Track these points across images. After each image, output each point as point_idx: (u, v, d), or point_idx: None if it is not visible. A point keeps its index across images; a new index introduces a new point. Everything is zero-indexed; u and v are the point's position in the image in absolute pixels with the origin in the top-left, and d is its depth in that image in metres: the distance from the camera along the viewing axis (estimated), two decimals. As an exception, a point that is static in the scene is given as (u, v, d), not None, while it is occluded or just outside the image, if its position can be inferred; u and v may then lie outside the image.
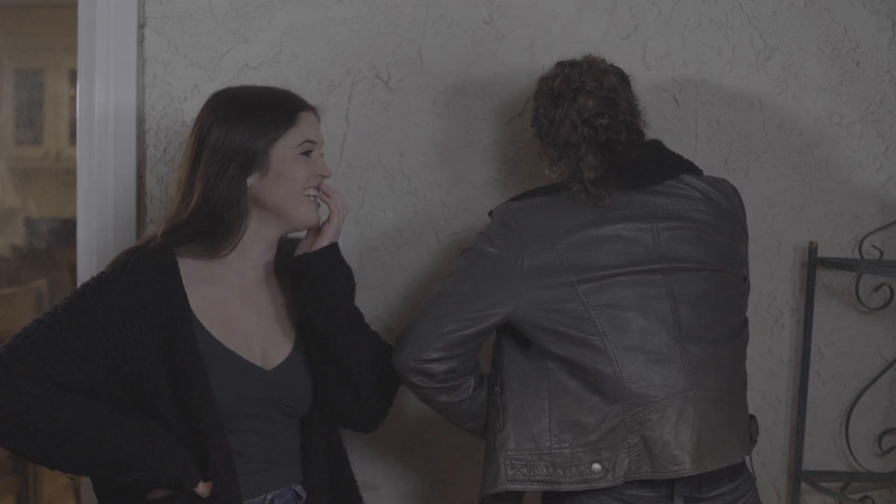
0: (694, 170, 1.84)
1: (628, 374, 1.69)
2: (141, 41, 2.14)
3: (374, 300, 2.17)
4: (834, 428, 2.28)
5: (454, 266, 1.82)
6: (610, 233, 1.73)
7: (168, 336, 1.66)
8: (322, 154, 1.81)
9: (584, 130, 1.77)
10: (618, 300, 1.71)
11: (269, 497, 1.74)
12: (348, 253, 1.91)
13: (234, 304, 1.75)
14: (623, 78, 1.86)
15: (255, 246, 1.77)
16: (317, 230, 1.79)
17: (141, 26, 2.14)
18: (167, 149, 2.16)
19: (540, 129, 1.85)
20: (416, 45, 2.17)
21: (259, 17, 2.15)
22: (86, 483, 2.15)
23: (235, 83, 2.04)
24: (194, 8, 2.14)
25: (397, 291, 2.19)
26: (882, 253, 2.24)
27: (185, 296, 1.70)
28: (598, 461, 1.69)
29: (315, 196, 1.78)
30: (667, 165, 1.81)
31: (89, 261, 2.14)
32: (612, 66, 1.86)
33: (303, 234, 1.83)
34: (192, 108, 2.13)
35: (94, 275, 1.72)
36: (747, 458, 1.82)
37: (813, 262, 2.21)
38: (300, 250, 1.79)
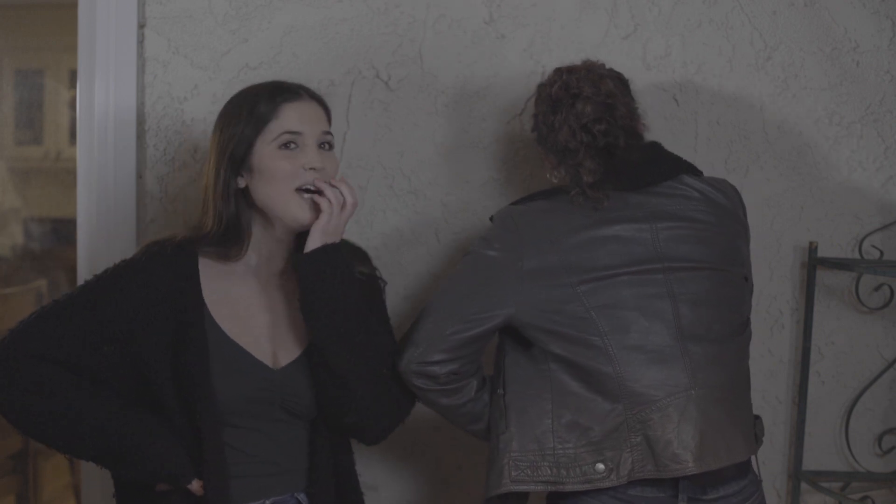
0: (693, 171, 1.84)
1: (629, 374, 1.69)
2: (141, 41, 2.14)
3: (374, 300, 2.17)
4: (834, 428, 2.28)
5: (454, 267, 1.82)
6: (609, 234, 1.74)
7: (178, 328, 1.67)
8: (325, 144, 1.73)
9: (583, 136, 1.77)
10: (618, 300, 1.71)
11: (267, 503, 1.73)
12: (348, 253, 1.91)
13: (249, 301, 1.75)
14: (622, 82, 1.86)
15: (268, 245, 1.76)
16: None
17: (141, 26, 2.14)
18: (167, 149, 2.16)
19: (540, 135, 1.85)
20: (416, 45, 2.17)
21: (259, 17, 2.15)
22: (86, 483, 2.16)
23: (235, 83, 2.05)
24: (194, 8, 2.14)
25: (397, 291, 2.19)
26: (882, 253, 2.24)
27: (200, 290, 1.71)
28: (602, 461, 1.69)
29: (310, 191, 1.68)
30: (665, 167, 1.81)
31: (89, 261, 2.14)
32: (610, 70, 1.85)
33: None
34: (191, 108, 2.14)
35: (108, 267, 1.73)
36: (753, 459, 1.82)
37: (813, 262, 2.21)
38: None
